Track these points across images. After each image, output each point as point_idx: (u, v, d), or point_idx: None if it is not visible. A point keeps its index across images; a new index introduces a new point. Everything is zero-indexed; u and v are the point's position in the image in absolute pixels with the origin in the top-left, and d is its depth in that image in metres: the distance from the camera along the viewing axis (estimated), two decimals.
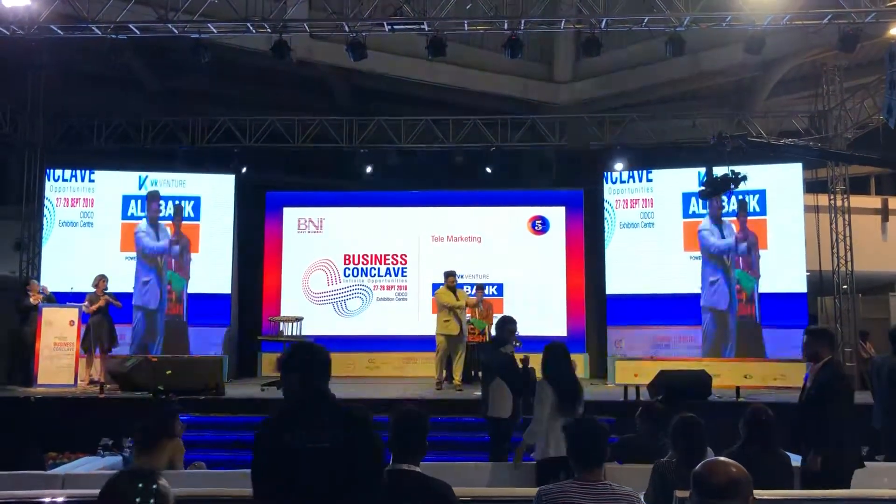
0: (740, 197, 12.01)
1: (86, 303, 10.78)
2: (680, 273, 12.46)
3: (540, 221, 14.07)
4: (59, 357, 10.51)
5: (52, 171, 12.81)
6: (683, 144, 12.72)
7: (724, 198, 11.99)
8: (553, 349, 5.63)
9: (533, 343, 7.54)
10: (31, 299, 10.90)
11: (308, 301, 13.77)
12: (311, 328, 11.79)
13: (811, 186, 12.83)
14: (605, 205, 12.95)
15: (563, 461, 5.15)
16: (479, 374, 8.87)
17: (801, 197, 12.17)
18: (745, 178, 8.78)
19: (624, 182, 12.97)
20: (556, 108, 13.33)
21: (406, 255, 13.99)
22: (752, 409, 4.43)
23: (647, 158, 12.95)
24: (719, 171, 9.83)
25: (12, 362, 11.34)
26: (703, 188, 9.97)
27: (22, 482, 4.83)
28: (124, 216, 12.93)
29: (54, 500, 3.95)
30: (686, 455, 3.89)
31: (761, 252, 12.17)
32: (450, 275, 10.98)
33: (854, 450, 5.03)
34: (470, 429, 8.32)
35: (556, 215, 14.10)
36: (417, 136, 13.03)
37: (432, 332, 10.98)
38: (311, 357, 2.94)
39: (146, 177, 13.04)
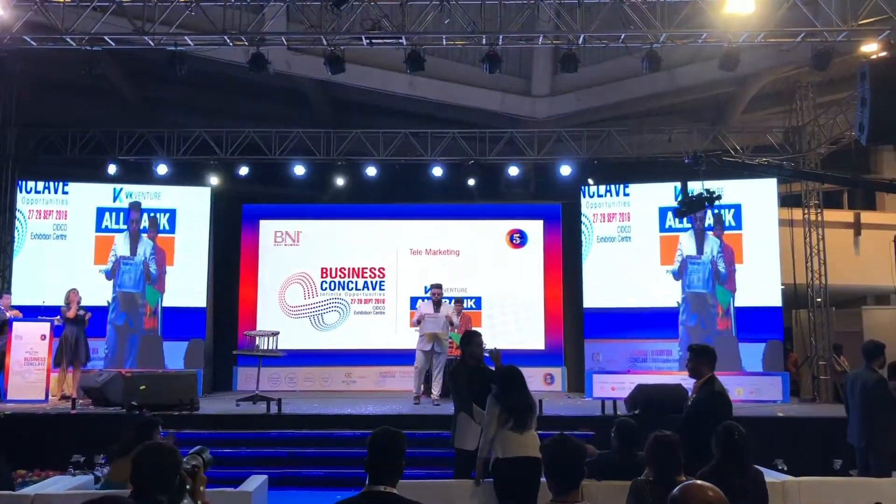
0: (716, 211, 12.12)
1: (59, 316, 10.63)
2: (656, 287, 12.52)
3: (518, 235, 14.11)
4: (30, 372, 10.33)
5: (24, 182, 12.63)
6: (660, 159, 12.81)
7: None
8: (505, 373, 5.74)
9: (511, 357, 7.52)
10: (6, 314, 10.73)
11: (284, 314, 13.68)
12: (287, 342, 11.69)
13: (785, 201, 12.99)
14: (583, 219, 13.01)
15: (514, 461, 5.21)
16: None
17: (776, 211, 12.31)
18: (719, 196, 8.87)
19: (601, 196, 13.03)
20: (535, 123, 13.39)
21: (384, 269, 13.94)
22: (724, 427, 4.34)
23: (624, 173, 13.05)
24: (694, 186, 9.91)
25: None
26: (677, 207, 10.07)
27: None
28: (98, 228, 12.77)
29: None
30: (662, 473, 3.90)
31: (737, 266, 12.28)
32: (435, 287, 10.93)
33: None
34: (447, 444, 8.25)
35: (534, 229, 14.15)
36: (396, 149, 13.02)
37: (410, 346, 10.93)
38: (153, 466, 3.00)
39: (121, 189, 12.90)
